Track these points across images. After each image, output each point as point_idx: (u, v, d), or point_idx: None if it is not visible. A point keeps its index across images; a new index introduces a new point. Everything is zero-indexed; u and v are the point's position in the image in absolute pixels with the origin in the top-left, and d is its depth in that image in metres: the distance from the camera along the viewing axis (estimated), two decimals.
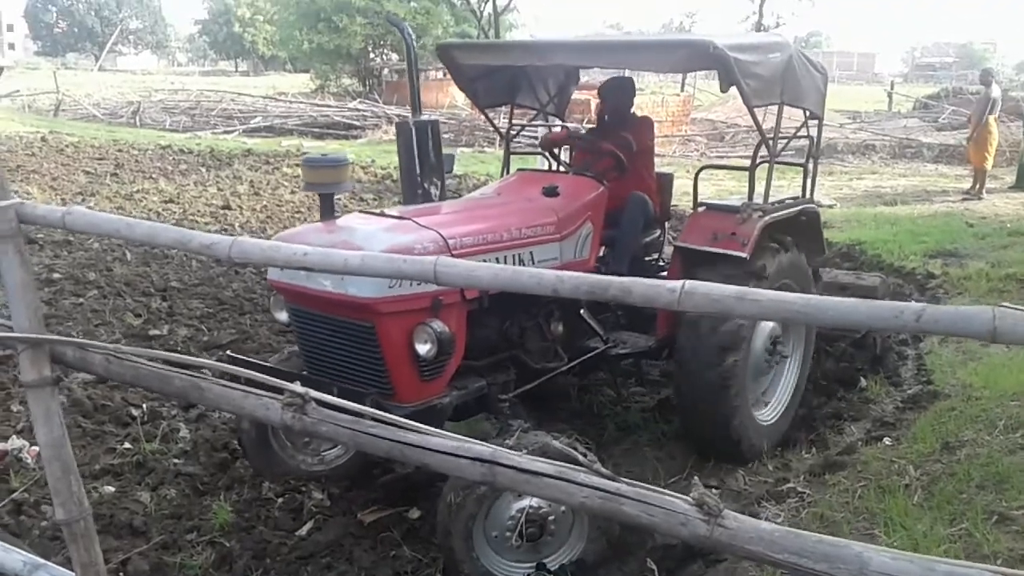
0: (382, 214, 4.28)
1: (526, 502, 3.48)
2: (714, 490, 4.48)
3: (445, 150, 5.89)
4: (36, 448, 4.38)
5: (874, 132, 23.50)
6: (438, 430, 1.95)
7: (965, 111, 20.94)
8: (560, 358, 4.70)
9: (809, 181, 5.55)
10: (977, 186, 13.84)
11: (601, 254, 5.25)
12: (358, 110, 27.33)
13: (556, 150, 5.98)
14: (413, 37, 5.83)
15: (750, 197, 4.94)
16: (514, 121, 6.18)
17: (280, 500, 4.39)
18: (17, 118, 26.42)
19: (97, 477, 4.52)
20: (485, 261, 3.70)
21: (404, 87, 32.04)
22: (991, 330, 1.35)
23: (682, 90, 34.82)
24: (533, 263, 4.39)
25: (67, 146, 19.27)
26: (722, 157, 21.14)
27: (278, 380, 2.01)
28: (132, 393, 5.51)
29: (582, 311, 4.86)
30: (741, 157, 20.93)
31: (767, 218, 4.82)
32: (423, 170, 5.50)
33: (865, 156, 20.80)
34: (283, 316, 4.21)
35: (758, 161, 4.97)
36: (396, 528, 4.13)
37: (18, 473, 4.42)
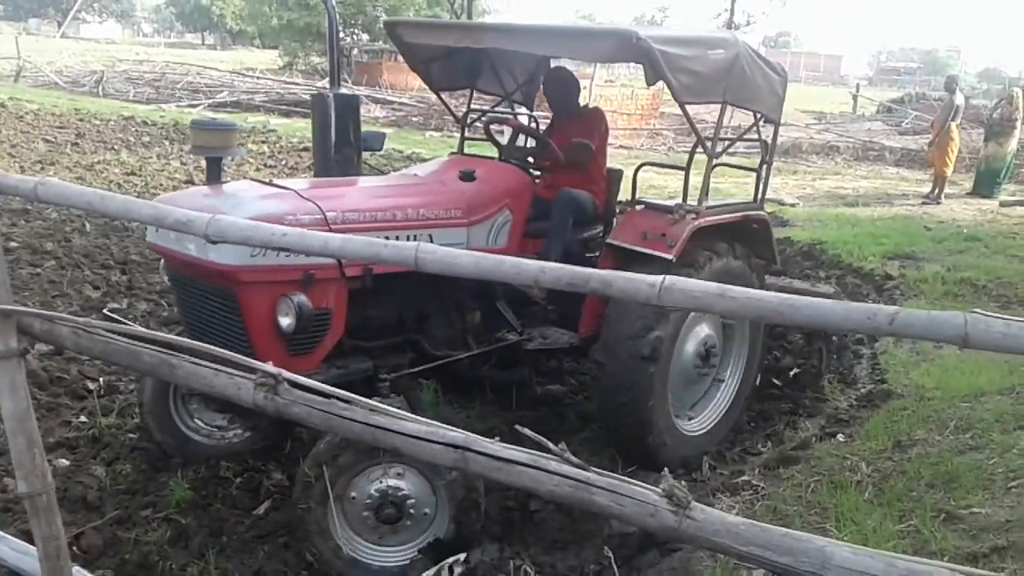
0: (269, 183, 4.23)
1: (387, 482, 3.51)
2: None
3: (378, 129, 5.84)
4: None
5: (838, 134, 23.83)
6: (411, 415, 1.96)
7: (928, 116, 21.28)
8: (468, 347, 4.62)
9: (761, 186, 5.37)
10: (936, 191, 14.09)
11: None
12: (326, 89, 27.01)
13: (500, 136, 5.76)
14: (335, 8, 5.76)
15: (684, 198, 4.84)
16: (475, 107, 6.03)
17: (238, 479, 4.37)
18: None
19: (52, 450, 4.45)
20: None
21: (374, 68, 31.88)
22: (963, 336, 1.39)
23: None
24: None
25: (27, 113, 18.84)
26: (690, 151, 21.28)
27: (247, 359, 2.00)
28: (89, 366, 5.43)
29: (499, 303, 4.78)
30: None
31: (699, 221, 4.67)
32: (338, 144, 5.41)
33: (829, 157, 21.09)
34: (167, 279, 4.20)
35: (714, 163, 4.90)
36: None
37: None
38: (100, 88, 27.05)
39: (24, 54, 30.53)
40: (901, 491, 4.08)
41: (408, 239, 4.14)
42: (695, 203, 4.78)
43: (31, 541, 2.44)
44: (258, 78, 29.49)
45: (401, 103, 25.30)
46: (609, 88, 28.41)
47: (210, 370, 1.99)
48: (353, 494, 3.54)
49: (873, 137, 23.53)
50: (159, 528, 3.90)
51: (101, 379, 5.30)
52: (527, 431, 1.88)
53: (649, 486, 1.73)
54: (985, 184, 14.58)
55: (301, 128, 18.89)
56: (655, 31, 4.50)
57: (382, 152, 11.04)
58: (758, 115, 5.26)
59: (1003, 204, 13.41)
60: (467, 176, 4.64)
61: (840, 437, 5.04)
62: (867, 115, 32.89)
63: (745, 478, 4.59)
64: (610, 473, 1.78)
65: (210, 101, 25.23)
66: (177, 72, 29.95)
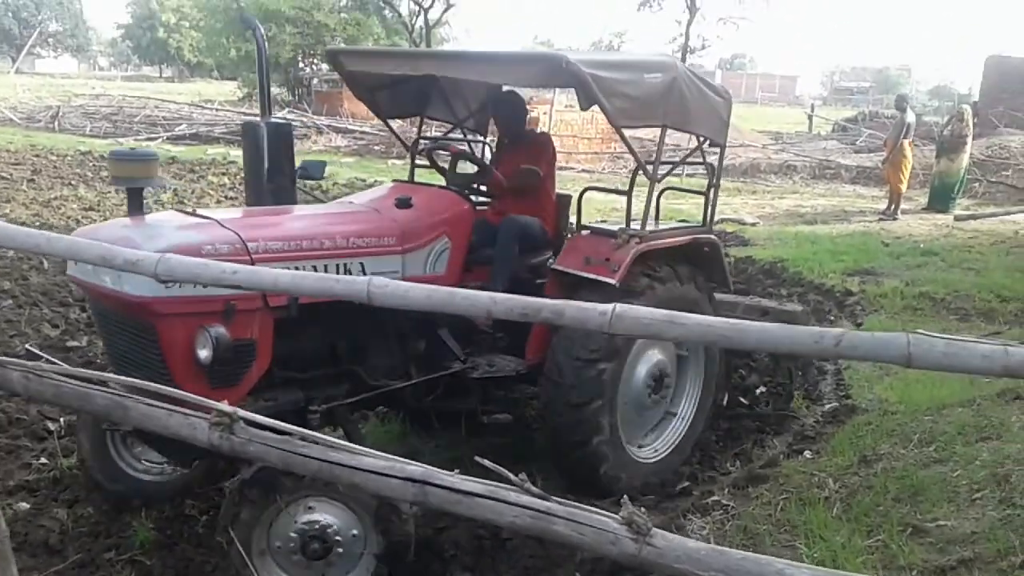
0: (192, 213, 4.17)
1: (313, 516, 3.42)
2: (642, 508, 4.53)
3: (332, 159, 5.82)
4: None
5: (795, 153, 24.17)
6: (369, 449, 1.95)
7: (881, 134, 21.72)
8: (409, 377, 4.54)
9: (710, 209, 5.33)
10: (892, 207, 14.34)
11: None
12: (286, 119, 26.93)
13: (443, 162, 5.54)
14: (264, 38, 5.78)
15: (627, 222, 4.81)
16: (428, 134, 5.94)
17: (204, 517, 4.29)
18: None
19: (12, 493, 4.37)
20: (297, 268, 3.76)
21: (335, 97, 31.85)
22: (906, 356, 1.41)
23: None
24: (365, 274, 4.02)
25: None
26: None
27: (203, 399, 1.98)
28: (48, 407, 5.33)
29: (441, 331, 4.68)
30: (674, 176, 21.30)
31: (643, 246, 4.61)
32: (271, 173, 5.39)
33: (787, 176, 21.40)
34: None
35: (660, 188, 4.87)
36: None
37: None
38: (56, 123, 26.76)
39: (8, 86, 30.08)
40: (868, 506, 4.11)
41: (337, 268, 4.10)
42: (640, 227, 4.76)
43: None
44: (217, 110, 29.35)
45: (363, 132, 25.32)
46: (569, 112, 28.67)
47: (164, 411, 1.96)
48: (277, 543, 3.45)
49: (829, 156, 23.92)
50: (123, 571, 3.82)
51: (61, 419, 5.20)
52: (487, 462, 1.88)
53: (609, 514, 1.73)
54: (939, 199, 14.88)
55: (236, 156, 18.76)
56: (588, 55, 4.49)
57: (322, 180, 10.96)
58: (701, 138, 5.24)
59: (958, 218, 13.70)
60: (403, 203, 4.56)
61: (807, 454, 5.08)
62: (823, 134, 33.45)
63: (715, 498, 4.60)
64: (570, 502, 1.78)
65: (168, 134, 25.05)
66: (134, 106, 29.71)
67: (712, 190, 5.32)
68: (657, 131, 4.81)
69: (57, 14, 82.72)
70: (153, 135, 24.75)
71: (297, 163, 5.63)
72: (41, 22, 79.54)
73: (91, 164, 17.75)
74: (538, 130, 5.89)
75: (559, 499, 1.82)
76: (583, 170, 22.10)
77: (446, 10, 39.29)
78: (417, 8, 38.69)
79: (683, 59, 44.56)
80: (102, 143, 22.27)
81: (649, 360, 4.90)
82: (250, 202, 5.54)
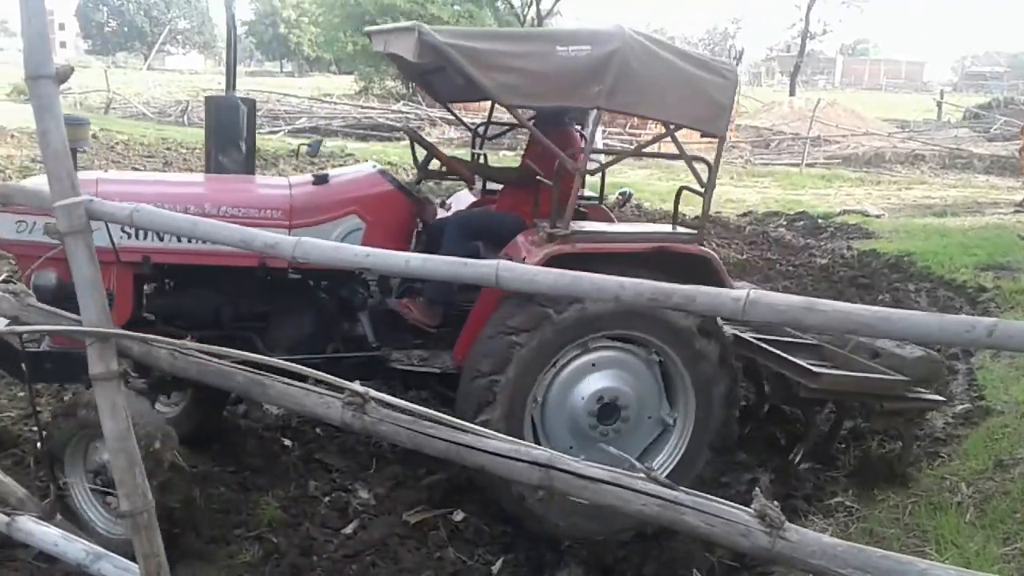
0: (105, 172, 4.44)
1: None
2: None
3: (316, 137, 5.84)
4: None
5: (923, 142, 23.14)
6: (496, 433, 1.97)
7: (1017, 122, 20.57)
8: (313, 352, 4.36)
9: (702, 214, 4.49)
10: None
11: None
12: (402, 112, 27.50)
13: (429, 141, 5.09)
14: (235, 17, 5.92)
15: (554, 218, 4.07)
16: (495, 118, 5.53)
17: (327, 499, 4.42)
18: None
19: None
20: None
21: None
22: None
23: None
24: None
25: (117, 144, 19.58)
26: (767, 164, 20.98)
27: (338, 379, 2.03)
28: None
29: (361, 314, 4.51)
30: (786, 164, 20.78)
31: (558, 247, 3.93)
32: (224, 147, 5.46)
33: (914, 166, 20.53)
34: None
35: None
36: (441, 529, 4.14)
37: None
38: (185, 117, 28.04)
39: (113, 87, 31.82)
40: (1004, 512, 3.92)
41: None
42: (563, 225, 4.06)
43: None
44: (335, 103, 30.17)
45: (474, 123, 25.52)
46: None
47: (300, 390, 2.03)
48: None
49: (960, 144, 22.81)
50: (251, 547, 3.97)
51: None
52: (612, 449, 1.87)
53: (740, 506, 1.70)
54: None
55: (378, 151, 19.23)
56: (464, 29, 4.19)
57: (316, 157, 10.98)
58: (671, 126, 4.32)
59: None
60: (320, 179, 4.47)
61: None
62: (953, 122, 31.89)
63: (838, 499, 4.46)
64: (699, 493, 1.75)
65: (289, 127, 25.90)
66: (258, 100, 30.82)
67: (708, 190, 4.37)
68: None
69: (185, 12, 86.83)
70: (275, 128, 25.63)
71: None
72: (171, 20, 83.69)
73: (295, 162, 18.49)
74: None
75: (686, 489, 1.79)
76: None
77: (557, 1, 39.33)
78: None
79: (802, 44, 43.48)
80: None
81: (592, 384, 4.12)
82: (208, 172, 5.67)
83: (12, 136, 19.43)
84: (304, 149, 5.66)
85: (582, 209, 5.06)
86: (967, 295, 8.25)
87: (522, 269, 1.91)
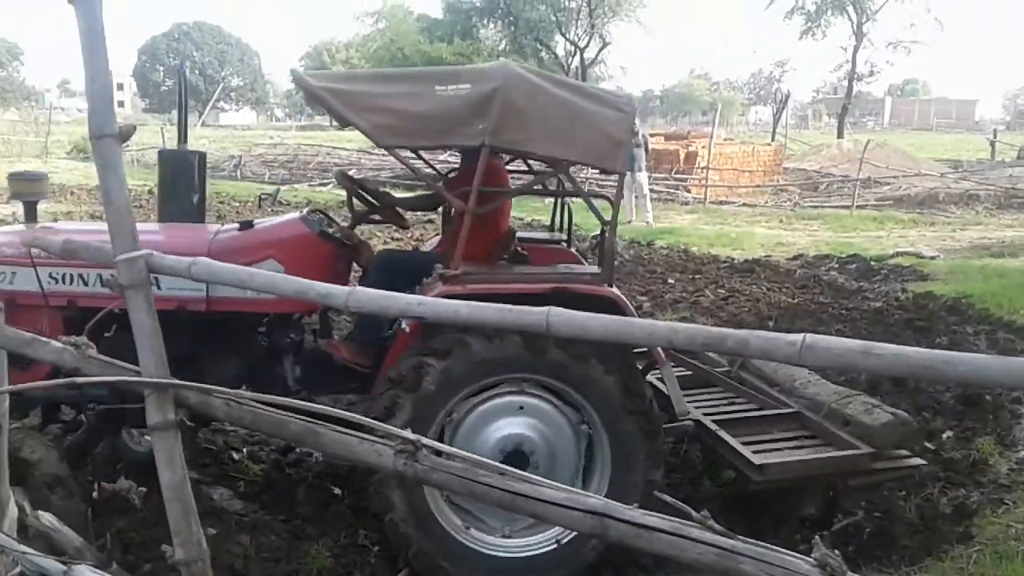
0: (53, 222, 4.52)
1: None
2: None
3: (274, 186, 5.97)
4: (143, 489, 4.53)
5: (977, 181, 22.76)
6: (550, 481, 1.95)
7: None
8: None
9: (605, 254, 4.20)
10: None
11: None
12: (447, 163, 27.84)
13: (358, 189, 5.03)
14: (187, 75, 6.16)
15: (449, 259, 3.94)
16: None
17: (376, 548, 4.42)
18: (127, 172, 27.77)
19: (201, 518, 4.64)
20: (80, 274, 4.08)
21: None
22: None
23: (772, 139, 34.55)
24: (159, 288, 3.80)
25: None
26: (817, 207, 20.81)
27: (388, 427, 2.05)
28: (233, 436, 5.66)
29: (286, 357, 4.44)
30: (836, 207, 20.57)
31: (446, 288, 3.77)
32: (167, 197, 5.62)
33: (968, 206, 20.17)
34: None
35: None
36: None
37: (126, 513, 4.57)
38: (238, 172, 28.78)
39: (168, 143, 32.81)
40: None
41: (71, 279, 4.20)
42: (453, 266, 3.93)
43: None
44: (383, 155, 30.68)
45: (521, 172, 25.78)
46: (729, 145, 28.18)
47: (354, 438, 2.04)
48: None
49: (1016, 184, 22.36)
50: None
51: (244, 449, 5.51)
52: (666, 497, 1.84)
53: (799, 555, 1.66)
54: None
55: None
56: (342, 72, 4.25)
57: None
58: (565, 162, 4.24)
59: None
60: (245, 225, 4.50)
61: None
62: (1007, 161, 31.33)
63: (901, 547, 4.33)
64: (757, 542, 1.71)
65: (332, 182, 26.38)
66: (308, 153, 31.54)
67: (607, 230, 4.15)
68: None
69: (238, 70, 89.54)
70: (326, 180, 26.13)
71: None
72: (224, 78, 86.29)
73: (269, 209, 18.91)
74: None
75: (743, 538, 1.76)
76: (743, 204, 21.59)
77: (601, 49, 39.79)
78: (573, 48, 39.39)
79: (849, 86, 43.27)
80: (280, 188, 23.71)
81: (498, 430, 3.96)
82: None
83: (72, 193, 20.09)
84: (265, 197, 5.96)
85: (522, 250, 4.89)
86: None
87: (570, 315, 1.91)
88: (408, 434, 1.99)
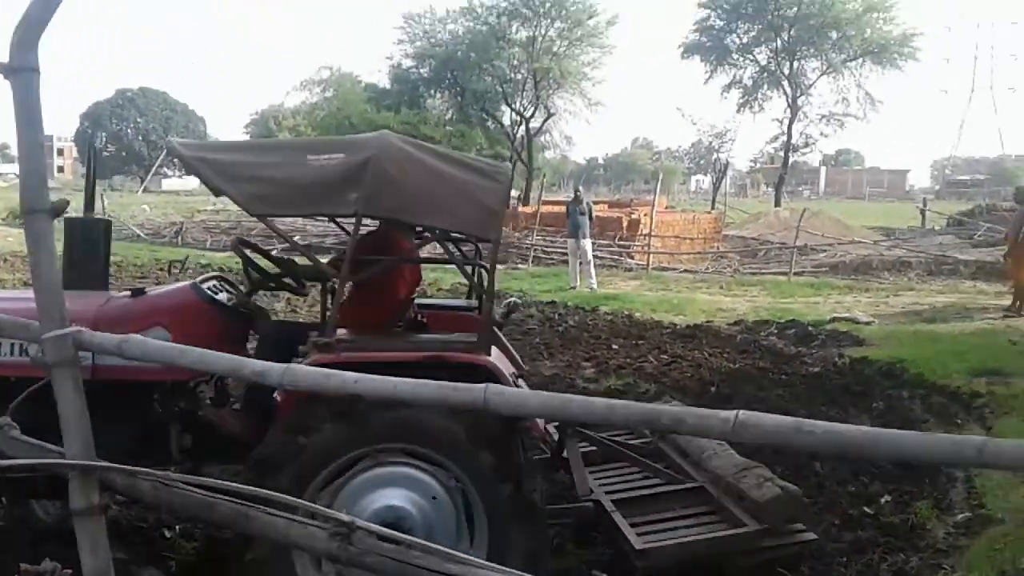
0: None
1: None
2: None
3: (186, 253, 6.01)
4: (68, 571, 4.34)
5: (909, 249, 23.50)
6: (482, 560, 1.92)
7: (1000, 228, 20.95)
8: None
9: (484, 327, 4.12)
10: (1018, 303, 13.66)
11: None
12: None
13: (250, 254, 4.99)
14: (94, 146, 6.26)
15: (324, 327, 4.05)
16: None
17: None
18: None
19: None
20: None
21: None
22: None
23: (712, 207, 35.38)
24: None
25: (111, 265, 19.74)
26: (756, 273, 21.25)
27: (322, 508, 2.00)
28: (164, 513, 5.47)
29: (173, 425, 4.36)
30: (774, 273, 21.04)
31: (322, 356, 3.76)
32: (78, 262, 5.67)
33: (901, 273, 20.77)
34: None
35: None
36: None
37: None
38: (179, 238, 28.39)
39: (109, 209, 32.29)
40: None
41: (12, 347, 4.15)
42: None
43: None
44: (328, 222, 30.58)
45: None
46: (670, 214, 28.78)
47: (285, 521, 1.99)
48: None
49: (946, 251, 23.17)
50: None
51: (177, 527, 5.32)
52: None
53: None
54: None
55: None
56: (216, 142, 4.36)
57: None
58: (439, 231, 4.37)
59: None
60: (136, 292, 4.53)
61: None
62: (937, 229, 32.50)
63: None
64: None
65: (283, 246, 26.15)
66: (252, 220, 31.27)
67: (483, 298, 4.23)
68: None
69: (183, 136, 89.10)
70: (268, 247, 25.84)
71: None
72: (167, 144, 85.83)
73: (176, 275, 18.61)
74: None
75: None
76: (685, 270, 21.96)
77: (547, 119, 40.58)
78: (519, 118, 40.11)
79: (785, 157, 44.70)
80: (221, 255, 23.46)
81: (372, 503, 3.81)
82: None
83: (5, 260, 19.60)
84: (174, 265, 5.94)
85: (421, 318, 4.90)
86: (962, 401, 8.22)
87: (511, 393, 1.90)
88: (343, 516, 1.95)
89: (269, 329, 4.74)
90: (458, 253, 4.91)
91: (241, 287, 4.99)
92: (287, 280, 4.95)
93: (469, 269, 4.62)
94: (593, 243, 18.52)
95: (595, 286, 17.24)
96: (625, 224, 24.28)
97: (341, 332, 4.15)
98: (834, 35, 40.50)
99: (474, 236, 4.47)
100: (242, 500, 2.07)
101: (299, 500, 2.05)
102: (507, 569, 1.85)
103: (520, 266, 21.56)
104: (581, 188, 20.78)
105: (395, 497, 3.79)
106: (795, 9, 40.02)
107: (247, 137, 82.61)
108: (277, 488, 3.49)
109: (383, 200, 3.99)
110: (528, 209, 28.57)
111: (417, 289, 5.20)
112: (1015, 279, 14.04)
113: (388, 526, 3.58)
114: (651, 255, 22.32)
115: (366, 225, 4.25)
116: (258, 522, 2.03)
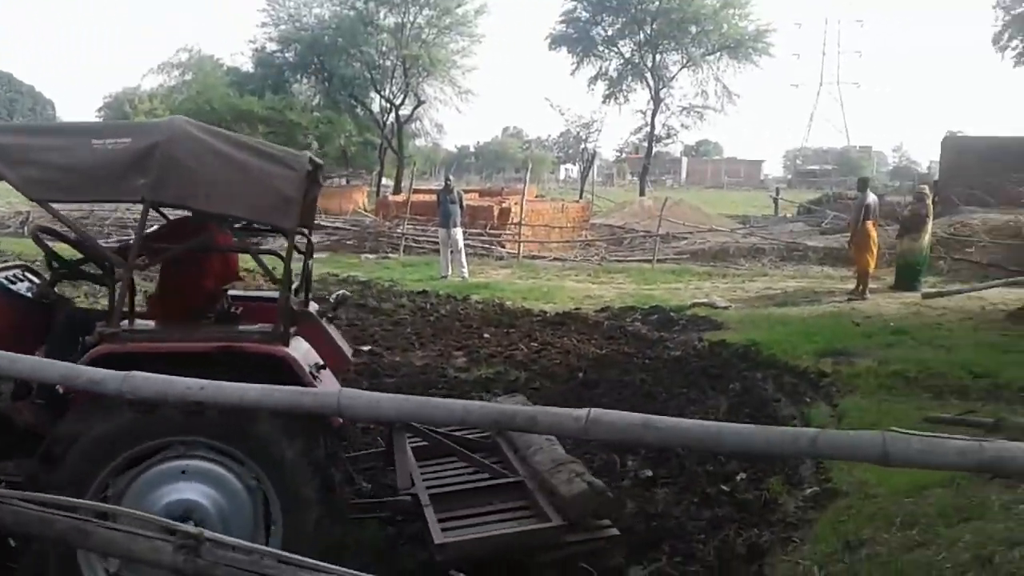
0: None
1: None
2: None
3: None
4: None
5: (763, 236, 24.59)
6: (338, 568, 1.88)
7: (846, 215, 22.19)
8: None
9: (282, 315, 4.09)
10: (861, 287, 14.52)
11: None
12: None
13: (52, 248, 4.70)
14: None
15: (110, 318, 3.94)
16: None
17: None
18: None
19: None
20: None
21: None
22: (883, 454, 1.40)
23: (580, 196, 36.04)
24: None
25: None
26: (621, 261, 21.77)
27: (169, 521, 1.91)
28: None
29: None
30: (639, 260, 21.64)
31: (104, 348, 3.69)
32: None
33: (756, 259, 21.69)
34: None
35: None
36: None
37: None
38: (25, 229, 26.66)
39: None
40: None
41: None
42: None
43: None
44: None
45: (335, 227, 25.50)
46: (540, 203, 29.14)
47: (126, 535, 1.89)
48: None
49: (796, 238, 24.35)
50: None
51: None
52: None
53: None
54: (906, 278, 15.09)
55: None
56: (4, 126, 4.26)
57: None
58: (231, 218, 4.32)
59: (925, 296, 13.87)
60: None
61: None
62: (789, 216, 34.17)
63: None
64: None
65: (126, 237, 25.00)
66: (105, 208, 29.74)
67: (285, 291, 4.17)
68: None
69: (29, 120, 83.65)
70: (124, 236, 24.67)
71: None
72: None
73: None
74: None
75: None
76: (554, 258, 22.29)
77: (416, 107, 40.26)
78: (388, 105, 39.64)
79: (649, 147, 46.01)
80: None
81: (163, 497, 3.70)
82: None
83: None
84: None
85: (235, 309, 4.73)
86: (810, 380, 8.69)
87: (365, 397, 1.87)
88: (190, 528, 1.87)
89: (62, 318, 4.48)
90: (257, 240, 4.79)
91: (47, 276, 4.70)
92: (89, 269, 4.74)
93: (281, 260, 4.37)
94: (464, 232, 18.54)
95: (466, 275, 17.28)
96: (496, 213, 24.41)
97: (141, 322, 4.05)
98: (693, 29, 41.77)
99: (269, 224, 4.36)
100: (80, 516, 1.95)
101: (145, 513, 1.96)
102: (358, 573, 1.82)
103: (391, 255, 21.35)
104: (452, 177, 20.77)
105: (188, 491, 3.69)
106: (657, 3, 41.10)
107: (100, 119, 78.41)
108: (60, 481, 3.39)
109: (171, 187, 3.89)
110: (399, 198, 28.33)
111: (235, 280, 5.13)
112: (858, 264, 14.93)
113: (178, 520, 3.51)
114: (521, 244, 22.54)
115: (179, 214, 4.12)
116: (97, 537, 1.92)
